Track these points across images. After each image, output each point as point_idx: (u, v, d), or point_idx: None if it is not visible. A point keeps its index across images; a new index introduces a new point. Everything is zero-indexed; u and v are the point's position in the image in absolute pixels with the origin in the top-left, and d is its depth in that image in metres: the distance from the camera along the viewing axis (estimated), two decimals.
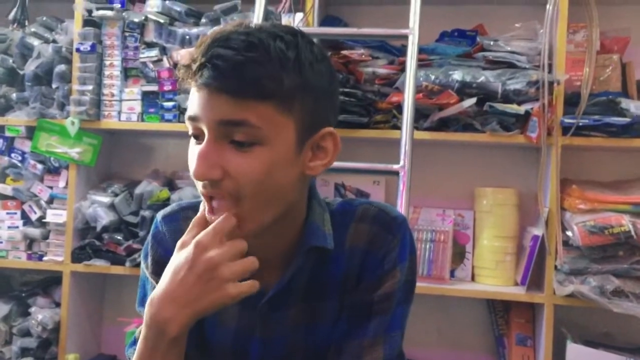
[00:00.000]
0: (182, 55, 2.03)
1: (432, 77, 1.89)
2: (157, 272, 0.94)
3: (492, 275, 1.99)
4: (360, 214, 0.93)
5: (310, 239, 0.89)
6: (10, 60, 2.21)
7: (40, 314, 2.12)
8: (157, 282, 0.92)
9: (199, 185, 0.82)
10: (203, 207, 0.85)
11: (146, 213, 2.06)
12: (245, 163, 0.78)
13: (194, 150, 0.81)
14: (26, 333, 2.13)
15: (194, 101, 0.79)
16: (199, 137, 0.81)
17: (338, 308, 0.92)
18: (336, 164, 1.82)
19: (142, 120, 2.12)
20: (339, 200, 0.97)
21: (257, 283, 0.81)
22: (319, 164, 0.86)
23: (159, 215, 0.98)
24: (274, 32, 0.79)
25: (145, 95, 2.12)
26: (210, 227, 0.80)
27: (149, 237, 0.97)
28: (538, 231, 1.89)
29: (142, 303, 0.95)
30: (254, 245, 0.90)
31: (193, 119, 0.80)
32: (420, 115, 1.92)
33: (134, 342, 0.93)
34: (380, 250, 0.90)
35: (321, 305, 0.92)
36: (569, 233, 1.84)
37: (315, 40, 2.16)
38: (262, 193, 0.80)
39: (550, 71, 1.87)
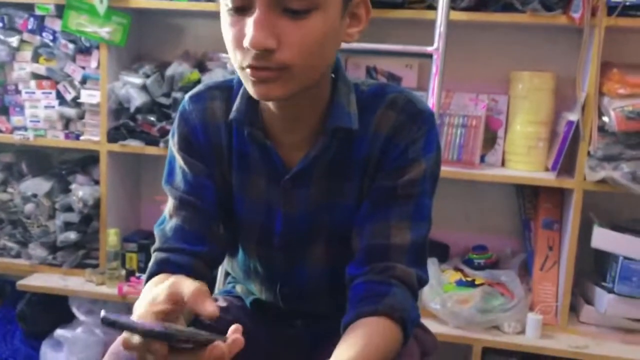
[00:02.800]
0: None
1: None
2: (184, 148, 0.96)
3: (523, 160, 1.99)
4: (389, 101, 0.92)
5: (335, 119, 0.90)
6: None
7: (81, 190, 2.20)
8: (183, 159, 0.96)
9: (246, 57, 0.79)
10: None
11: (178, 95, 2.07)
12: (301, 32, 0.78)
13: (239, 22, 0.79)
14: (68, 208, 2.23)
15: None
16: (244, 8, 0.78)
17: (359, 189, 0.94)
18: (368, 45, 1.79)
19: None
20: (374, 82, 0.97)
21: None
22: (355, 30, 0.87)
23: (187, 95, 0.99)
24: None
25: None
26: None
27: (177, 116, 0.99)
28: (573, 117, 1.86)
29: (169, 180, 0.98)
30: (278, 122, 0.91)
31: None
32: None
33: (163, 222, 0.97)
34: (403, 139, 0.90)
35: (342, 184, 0.94)
36: (605, 118, 1.81)
37: None
38: (312, 61, 0.81)
39: None
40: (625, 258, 1.83)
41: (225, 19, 0.81)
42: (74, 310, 2.21)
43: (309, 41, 0.78)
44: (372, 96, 0.94)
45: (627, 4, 1.74)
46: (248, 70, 0.80)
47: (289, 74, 0.80)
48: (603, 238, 1.87)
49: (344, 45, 0.89)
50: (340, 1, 0.81)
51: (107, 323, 0.66)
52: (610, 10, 1.77)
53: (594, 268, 2.02)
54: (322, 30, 0.79)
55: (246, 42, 0.77)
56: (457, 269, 2.07)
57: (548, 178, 1.91)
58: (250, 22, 0.77)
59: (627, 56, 1.98)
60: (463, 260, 2.11)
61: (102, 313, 0.67)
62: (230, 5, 0.79)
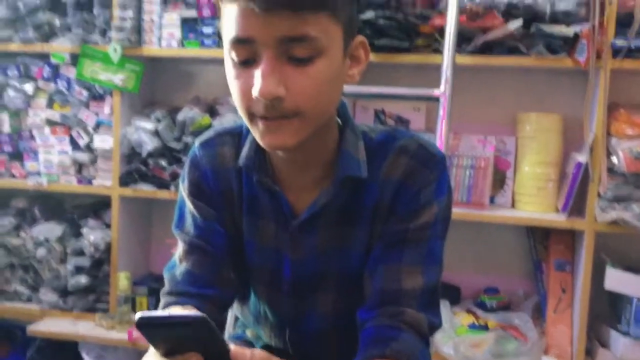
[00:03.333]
0: None
1: None
2: (194, 194, 0.97)
3: (533, 201, 1.98)
4: (400, 147, 0.93)
5: (344, 168, 0.90)
6: None
7: (92, 235, 2.22)
8: (194, 204, 0.96)
9: (256, 107, 0.80)
10: None
11: (189, 139, 2.10)
12: (307, 78, 0.79)
13: (245, 74, 0.80)
14: (80, 252, 2.24)
15: (244, 22, 0.77)
16: (249, 61, 0.79)
17: (368, 235, 0.94)
18: (376, 88, 1.82)
19: (182, 46, 2.12)
20: (383, 128, 0.97)
21: None
22: (356, 71, 0.88)
23: (197, 141, 1.00)
24: None
25: (185, 21, 2.11)
26: None
27: (187, 161, 1.00)
28: (582, 157, 1.86)
29: (179, 225, 0.99)
30: (287, 168, 0.92)
31: (245, 40, 0.78)
32: (463, 38, 1.87)
33: (173, 266, 0.98)
34: (416, 183, 0.91)
35: (351, 231, 0.94)
36: (614, 159, 1.81)
37: None
38: (321, 105, 0.82)
39: None
40: None
41: (231, 72, 0.82)
42: (84, 355, 2.19)
43: (316, 86, 0.80)
44: (382, 143, 0.94)
45: (632, 46, 1.76)
46: (259, 120, 0.82)
47: (300, 121, 0.81)
48: (616, 279, 1.85)
49: (352, 89, 0.91)
50: (342, 45, 0.82)
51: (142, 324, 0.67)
52: (615, 52, 1.79)
53: (608, 310, 1.99)
54: (327, 75, 0.80)
55: (255, 92, 0.78)
56: (469, 312, 2.05)
57: (559, 219, 1.91)
58: (257, 73, 0.78)
59: (634, 97, 1.99)
60: (475, 303, 2.09)
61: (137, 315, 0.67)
62: (236, 60, 0.80)
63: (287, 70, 0.78)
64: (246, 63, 0.80)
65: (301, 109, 0.80)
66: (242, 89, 0.81)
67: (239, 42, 0.78)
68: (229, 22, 0.79)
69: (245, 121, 0.85)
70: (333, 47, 0.81)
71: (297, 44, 0.77)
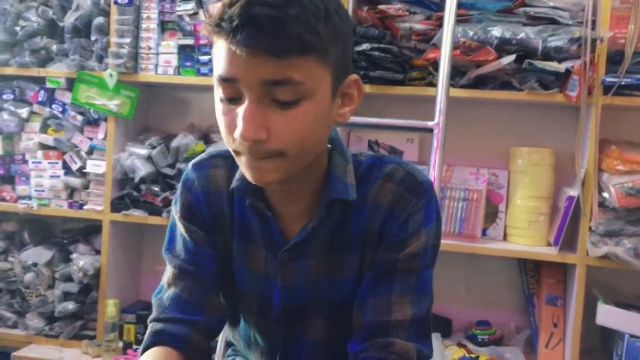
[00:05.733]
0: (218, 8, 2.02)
1: (471, 33, 1.86)
2: (186, 216, 0.97)
3: (525, 235, 1.99)
4: (387, 173, 0.92)
5: (332, 191, 0.90)
6: (50, 12, 2.25)
7: (81, 260, 2.20)
8: (185, 227, 0.96)
9: (239, 146, 0.80)
10: None
11: (182, 166, 2.11)
12: (290, 122, 0.78)
13: (230, 111, 0.80)
14: (68, 278, 2.21)
15: (229, 62, 0.76)
16: (234, 99, 0.79)
17: (359, 262, 0.93)
18: (370, 119, 1.83)
19: (179, 73, 2.14)
20: (371, 153, 0.97)
21: None
22: (347, 110, 0.87)
23: (190, 163, 1.00)
24: None
25: (182, 48, 2.13)
26: None
27: (180, 184, 1.00)
28: (573, 192, 1.87)
29: (169, 248, 0.98)
30: (278, 194, 0.92)
31: (230, 80, 0.77)
32: (456, 72, 1.89)
33: (160, 291, 0.97)
34: (404, 212, 0.90)
35: (342, 257, 0.94)
36: (605, 194, 1.82)
37: None
38: (304, 146, 0.81)
39: (593, 28, 1.82)
40: (631, 336, 1.80)
41: (219, 106, 0.82)
42: None
43: (299, 130, 0.79)
44: (370, 167, 0.94)
45: (623, 83, 1.79)
46: (243, 156, 0.82)
47: (282, 159, 0.80)
48: (608, 315, 1.84)
49: None
50: (330, 86, 0.81)
51: None
52: (606, 89, 1.81)
53: (600, 345, 1.98)
54: (312, 118, 0.79)
55: (237, 134, 0.78)
56: (460, 345, 2.03)
57: (550, 253, 1.91)
58: (240, 114, 0.78)
59: (624, 133, 2.01)
60: (466, 336, 2.07)
61: None
62: (222, 96, 0.80)
63: (270, 113, 0.77)
64: (232, 100, 0.80)
65: (284, 150, 0.79)
66: (227, 126, 0.81)
67: (224, 81, 0.78)
68: (218, 59, 0.78)
69: (232, 154, 0.85)
70: (320, 89, 0.79)
71: (281, 87, 0.76)
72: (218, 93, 0.81)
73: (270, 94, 0.77)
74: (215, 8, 2.05)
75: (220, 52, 0.77)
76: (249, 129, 0.77)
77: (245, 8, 0.73)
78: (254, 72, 0.75)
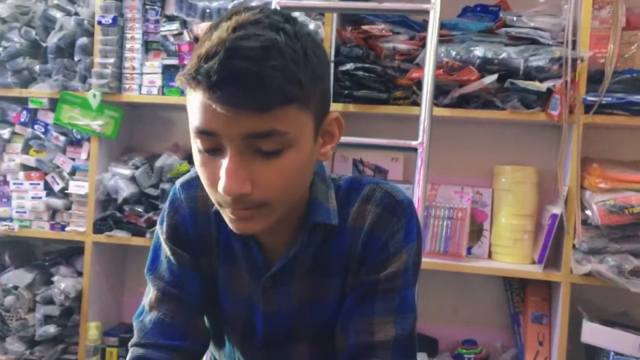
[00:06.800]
0: (202, 28, 2.03)
1: (453, 53, 1.88)
2: (172, 238, 0.95)
3: (509, 253, 1.99)
4: (366, 195, 0.91)
5: (313, 215, 0.88)
6: (34, 33, 2.23)
7: (63, 282, 2.16)
8: (170, 249, 0.94)
9: (222, 198, 0.77)
10: None
11: (166, 186, 2.09)
12: (274, 172, 0.75)
13: (211, 162, 0.76)
14: (49, 301, 2.18)
15: (208, 116, 0.72)
16: (214, 150, 0.76)
17: (341, 286, 0.92)
18: (355, 139, 1.83)
19: (163, 93, 2.13)
20: (348, 176, 0.96)
21: None
22: (329, 147, 0.85)
23: (178, 182, 0.98)
24: (271, 23, 0.73)
25: (166, 68, 2.13)
26: None
27: (167, 204, 0.97)
28: (557, 210, 1.88)
29: (151, 269, 0.96)
30: None
31: (210, 134, 0.74)
32: (440, 91, 1.91)
33: (142, 313, 0.95)
34: (384, 233, 0.89)
35: (325, 282, 0.93)
36: (588, 212, 1.83)
37: (335, 15, 2.13)
38: (289, 193, 0.80)
39: (574, 48, 1.84)
40: (616, 354, 1.80)
41: (197, 157, 0.79)
42: None
43: (284, 179, 0.77)
44: (348, 190, 0.93)
45: (603, 102, 1.81)
46: (226, 208, 0.79)
47: (267, 209, 0.79)
48: (592, 333, 1.84)
49: None
50: (312, 129, 0.78)
51: None
52: (587, 108, 1.83)
53: None
54: (297, 165, 0.77)
55: (220, 189, 0.75)
56: None
57: (535, 271, 1.91)
58: (222, 167, 0.75)
59: (606, 151, 2.04)
60: (453, 355, 2.06)
61: None
62: (201, 147, 0.77)
63: (254, 164, 0.75)
64: (212, 151, 0.76)
65: (269, 200, 0.77)
66: (208, 178, 0.78)
67: (202, 133, 0.75)
68: (194, 110, 0.74)
69: (215, 205, 0.83)
70: (303, 136, 0.77)
71: (264, 139, 0.73)
72: (196, 144, 0.77)
73: (253, 145, 0.74)
74: (199, 28, 2.06)
75: (197, 104, 0.73)
76: (232, 183, 0.74)
77: (223, 63, 0.69)
78: (236, 126, 0.72)
